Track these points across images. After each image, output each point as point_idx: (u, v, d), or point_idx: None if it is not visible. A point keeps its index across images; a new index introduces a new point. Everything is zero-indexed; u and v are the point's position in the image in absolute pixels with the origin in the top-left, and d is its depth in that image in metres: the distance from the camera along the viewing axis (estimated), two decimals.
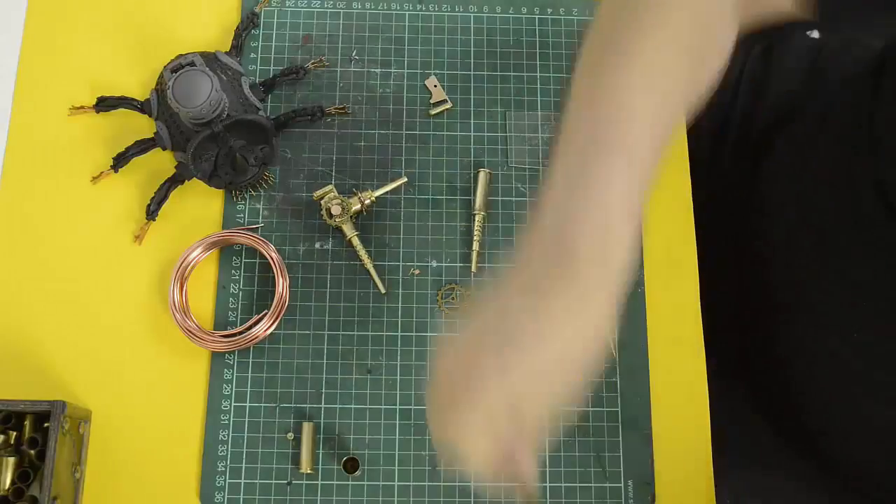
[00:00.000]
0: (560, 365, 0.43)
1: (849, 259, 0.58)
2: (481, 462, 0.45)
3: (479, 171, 0.67)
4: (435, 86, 0.70)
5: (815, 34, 0.73)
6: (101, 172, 0.66)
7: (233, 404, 0.62)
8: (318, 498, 0.61)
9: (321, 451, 0.62)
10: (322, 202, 0.65)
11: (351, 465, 0.60)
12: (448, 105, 0.69)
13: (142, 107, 0.67)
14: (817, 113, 0.66)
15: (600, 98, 0.46)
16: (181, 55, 0.65)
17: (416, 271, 0.66)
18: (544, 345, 0.43)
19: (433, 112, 0.69)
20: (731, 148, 0.76)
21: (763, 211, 0.68)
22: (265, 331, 0.62)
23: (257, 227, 0.66)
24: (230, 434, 0.62)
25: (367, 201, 0.65)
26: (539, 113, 0.70)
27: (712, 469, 0.63)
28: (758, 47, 0.76)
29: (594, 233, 0.43)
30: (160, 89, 0.66)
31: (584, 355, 0.43)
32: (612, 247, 0.43)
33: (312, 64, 0.69)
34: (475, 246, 0.66)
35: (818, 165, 0.63)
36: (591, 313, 0.43)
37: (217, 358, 0.63)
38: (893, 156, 0.53)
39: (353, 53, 0.71)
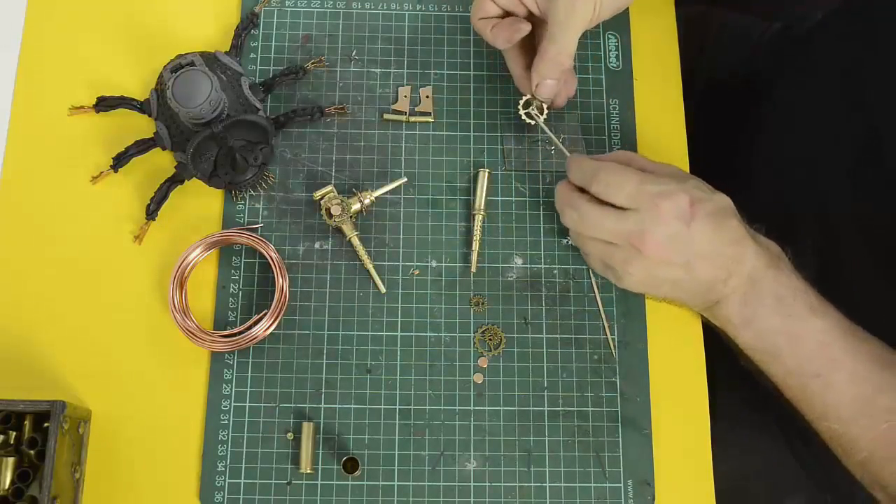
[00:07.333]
0: None
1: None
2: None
3: (479, 171, 0.67)
4: (427, 97, 0.70)
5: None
6: (101, 172, 0.66)
7: (233, 404, 0.62)
8: (318, 498, 0.61)
9: (321, 451, 0.62)
10: (322, 202, 0.65)
11: (351, 465, 0.60)
12: (430, 119, 0.69)
13: (142, 107, 0.67)
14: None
15: None
16: (181, 55, 0.65)
17: (416, 271, 0.66)
18: None
19: (411, 119, 0.69)
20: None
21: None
22: (265, 331, 0.62)
23: (257, 227, 0.66)
24: (230, 434, 0.62)
25: (367, 201, 0.65)
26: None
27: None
28: (777, 24, 0.76)
29: None
30: (160, 89, 0.66)
31: None
32: None
33: (312, 64, 0.69)
34: (475, 246, 0.66)
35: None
36: None
37: (217, 358, 0.63)
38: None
39: (353, 53, 0.71)
